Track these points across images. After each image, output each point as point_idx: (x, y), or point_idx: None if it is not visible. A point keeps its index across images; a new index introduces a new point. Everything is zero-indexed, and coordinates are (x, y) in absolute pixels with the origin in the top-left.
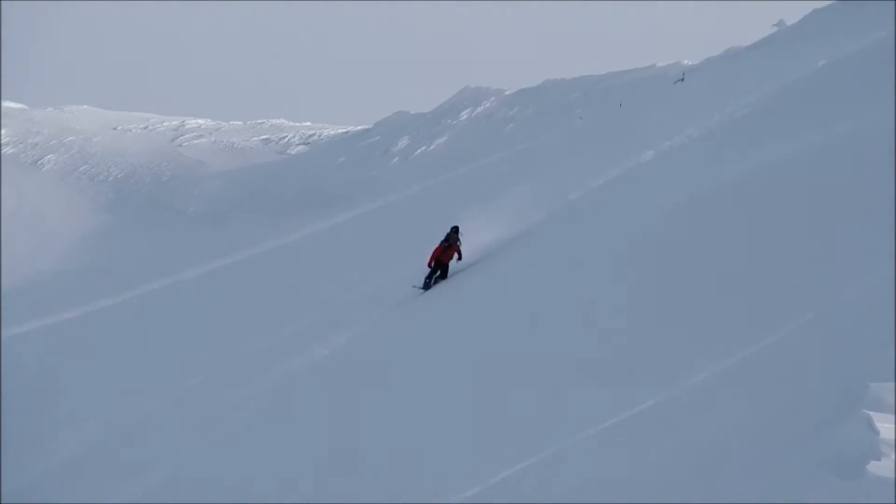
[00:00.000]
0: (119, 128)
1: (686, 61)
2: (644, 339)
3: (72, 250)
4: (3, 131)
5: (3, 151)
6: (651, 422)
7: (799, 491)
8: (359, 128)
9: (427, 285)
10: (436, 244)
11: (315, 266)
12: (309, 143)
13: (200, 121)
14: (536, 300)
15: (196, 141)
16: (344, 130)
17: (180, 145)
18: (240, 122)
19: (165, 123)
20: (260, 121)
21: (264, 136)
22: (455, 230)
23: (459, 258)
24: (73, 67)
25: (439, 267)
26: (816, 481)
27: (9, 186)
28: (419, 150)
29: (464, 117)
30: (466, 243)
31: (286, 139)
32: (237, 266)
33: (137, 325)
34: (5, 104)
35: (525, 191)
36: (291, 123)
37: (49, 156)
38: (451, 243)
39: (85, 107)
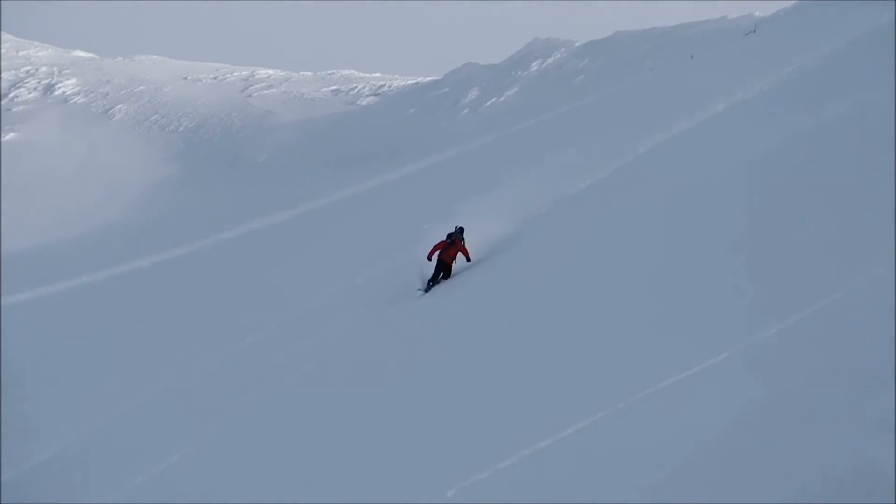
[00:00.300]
0: (189, 78)
1: (757, 13)
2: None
3: (141, 200)
4: (71, 80)
5: (73, 101)
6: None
7: (857, 450)
8: (429, 79)
9: (429, 288)
10: (440, 238)
11: (382, 217)
12: (378, 94)
13: (270, 71)
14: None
15: (266, 91)
16: (414, 81)
17: (250, 95)
18: (309, 73)
19: (235, 74)
20: (330, 71)
21: (334, 87)
22: (460, 231)
23: (468, 259)
24: (142, 17)
25: (442, 268)
26: (874, 439)
27: (78, 136)
28: (489, 102)
29: (534, 69)
30: (539, 192)
31: (356, 90)
32: (306, 217)
33: (202, 277)
34: (75, 53)
35: (594, 143)
36: (361, 74)
37: (119, 105)
38: (454, 241)
39: (155, 57)
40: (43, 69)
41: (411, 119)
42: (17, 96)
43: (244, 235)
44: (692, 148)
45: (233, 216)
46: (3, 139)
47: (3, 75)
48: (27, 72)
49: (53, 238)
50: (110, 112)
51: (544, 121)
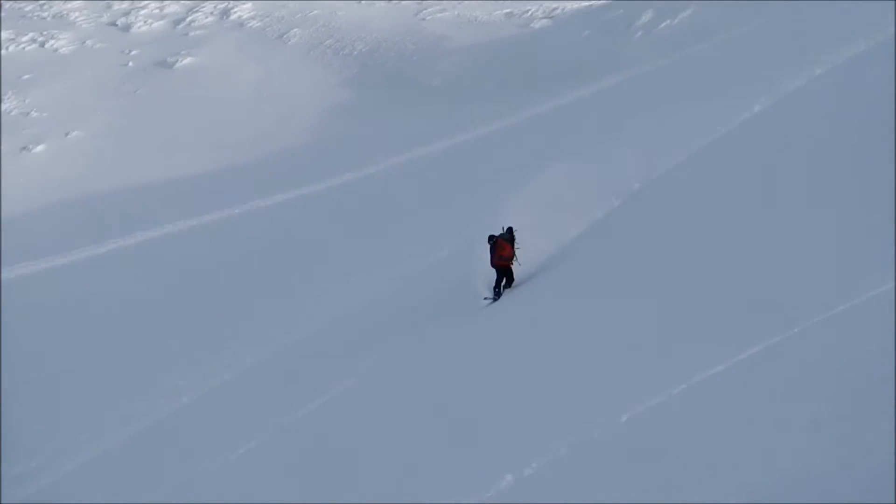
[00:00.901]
0: (363, 1)
1: None
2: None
3: (315, 125)
4: (247, 5)
5: (248, 25)
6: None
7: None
8: (602, 1)
9: (497, 294)
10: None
11: (555, 141)
12: (552, 17)
13: None
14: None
15: (439, 15)
16: (587, 4)
17: (423, 19)
18: None
19: None
20: None
21: (507, 10)
22: (508, 230)
23: (499, 261)
24: None
25: (501, 273)
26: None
27: (254, 60)
28: (663, 24)
29: None
30: (695, 128)
31: (529, 13)
32: (479, 141)
33: (379, 201)
34: None
35: (761, 71)
36: None
37: (294, 29)
38: (495, 243)
39: None
40: None
41: (584, 42)
42: (193, 21)
43: (416, 160)
44: (850, 81)
45: (406, 140)
46: (179, 63)
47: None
48: None
49: (227, 162)
50: (285, 36)
51: (717, 44)
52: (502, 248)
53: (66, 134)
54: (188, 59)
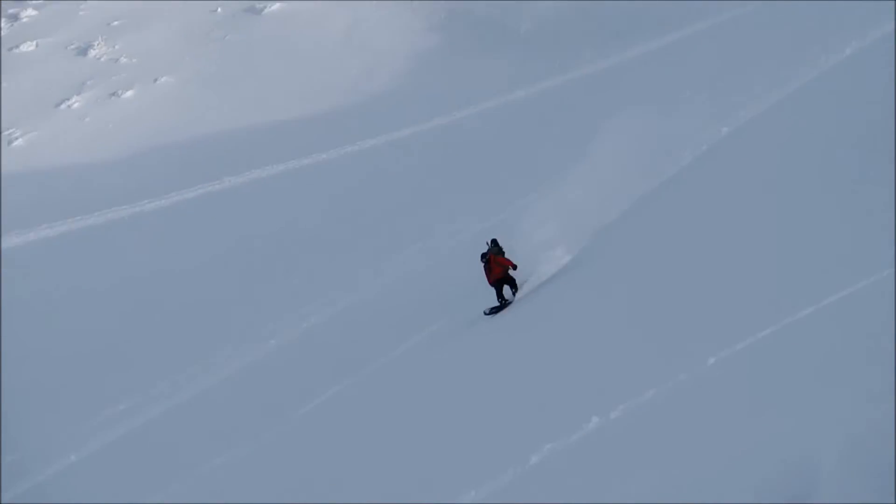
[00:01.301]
0: None
1: None
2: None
3: (404, 70)
4: None
5: None
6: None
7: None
8: None
9: (501, 304)
10: None
11: (635, 91)
12: None
13: None
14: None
15: None
16: None
17: None
18: None
19: None
20: None
21: None
22: (493, 242)
23: (512, 268)
24: None
25: (501, 284)
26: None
27: (342, 6)
28: None
29: None
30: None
31: None
32: (567, 86)
33: (466, 148)
34: None
35: (859, 10)
36: None
37: None
38: (488, 261)
39: None
40: None
41: None
42: None
43: (505, 105)
44: None
45: (494, 86)
46: (268, 9)
47: None
48: None
49: (316, 108)
50: None
51: None
52: (498, 263)
53: (155, 80)
54: (277, 6)
